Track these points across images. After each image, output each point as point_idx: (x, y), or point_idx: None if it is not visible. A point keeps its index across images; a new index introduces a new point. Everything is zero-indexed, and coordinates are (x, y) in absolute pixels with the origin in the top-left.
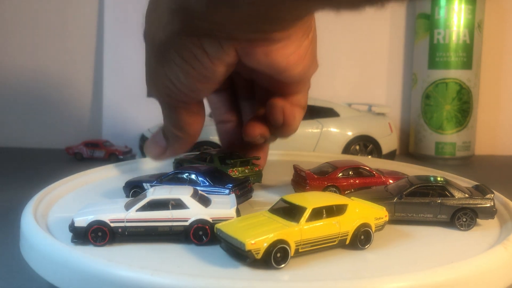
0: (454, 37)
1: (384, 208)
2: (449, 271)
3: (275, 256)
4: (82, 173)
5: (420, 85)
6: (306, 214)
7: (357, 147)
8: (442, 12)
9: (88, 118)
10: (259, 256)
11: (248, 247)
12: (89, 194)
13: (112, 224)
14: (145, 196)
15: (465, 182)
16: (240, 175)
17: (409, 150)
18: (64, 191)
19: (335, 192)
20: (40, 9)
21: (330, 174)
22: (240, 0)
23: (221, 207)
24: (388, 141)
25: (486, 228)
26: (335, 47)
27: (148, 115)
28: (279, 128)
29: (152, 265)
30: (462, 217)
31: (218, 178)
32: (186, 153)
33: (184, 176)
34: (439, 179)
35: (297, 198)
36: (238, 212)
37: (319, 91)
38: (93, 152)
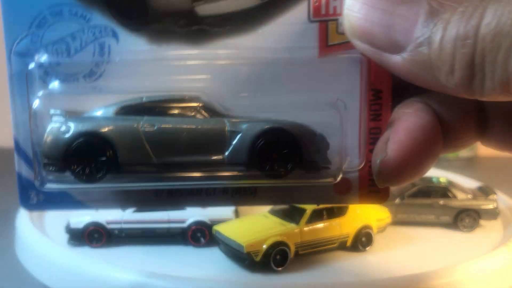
0: None
1: (386, 210)
2: (452, 273)
3: (274, 258)
4: None
5: None
6: (306, 215)
7: None
8: None
9: None
10: (257, 258)
11: (247, 249)
12: None
13: (109, 226)
14: None
15: (468, 183)
16: None
17: None
18: None
19: None
20: None
21: None
22: None
23: (220, 208)
24: None
25: (489, 230)
26: None
27: None
28: None
29: (149, 267)
30: (465, 219)
31: None
32: None
33: None
34: (441, 180)
35: None
36: (236, 214)
37: None
38: None
